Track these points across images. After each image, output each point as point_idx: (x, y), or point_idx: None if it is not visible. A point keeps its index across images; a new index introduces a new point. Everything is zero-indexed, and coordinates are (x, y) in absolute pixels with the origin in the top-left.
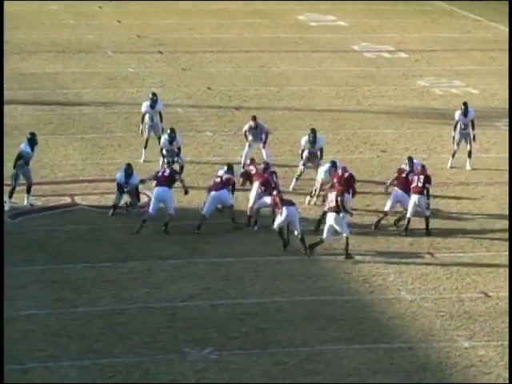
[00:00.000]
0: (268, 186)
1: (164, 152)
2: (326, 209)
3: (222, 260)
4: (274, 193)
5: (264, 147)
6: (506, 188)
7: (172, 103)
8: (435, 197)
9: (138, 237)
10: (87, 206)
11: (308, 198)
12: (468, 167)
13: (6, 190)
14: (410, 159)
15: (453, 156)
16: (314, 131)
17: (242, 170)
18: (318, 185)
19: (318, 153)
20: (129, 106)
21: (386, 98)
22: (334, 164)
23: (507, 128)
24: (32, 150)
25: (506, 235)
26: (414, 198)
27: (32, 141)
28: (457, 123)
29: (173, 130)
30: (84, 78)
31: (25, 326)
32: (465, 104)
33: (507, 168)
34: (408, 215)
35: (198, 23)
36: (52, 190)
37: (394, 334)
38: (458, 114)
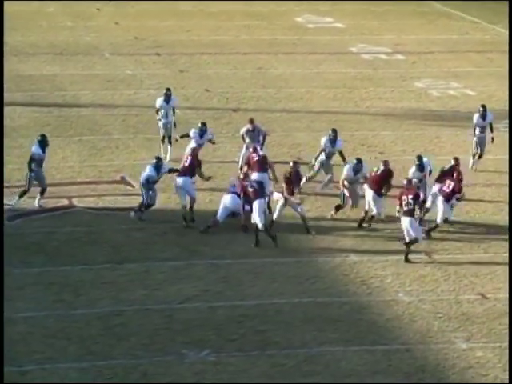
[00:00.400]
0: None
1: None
2: (400, 211)
3: (220, 262)
4: (243, 178)
5: (261, 149)
6: (505, 189)
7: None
8: None
9: (136, 238)
10: (85, 208)
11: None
12: (470, 167)
13: (6, 191)
14: (420, 158)
15: (473, 156)
16: (334, 131)
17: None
18: (342, 186)
19: (336, 154)
20: (126, 108)
21: (383, 100)
22: (359, 161)
23: (506, 130)
24: (43, 151)
25: (504, 237)
26: (441, 200)
27: (43, 142)
28: (476, 127)
29: (204, 124)
30: (82, 80)
31: (23, 328)
32: (483, 107)
33: (506, 170)
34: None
35: (195, 25)
36: (50, 192)
37: (391, 336)
38: (476, 117)
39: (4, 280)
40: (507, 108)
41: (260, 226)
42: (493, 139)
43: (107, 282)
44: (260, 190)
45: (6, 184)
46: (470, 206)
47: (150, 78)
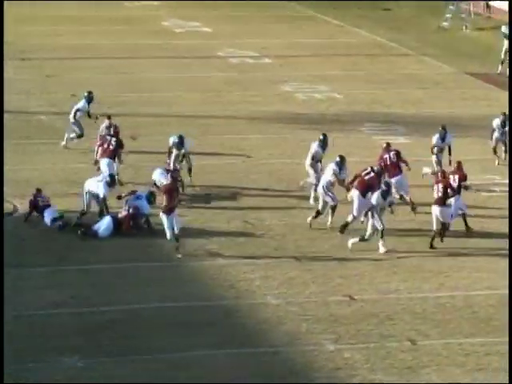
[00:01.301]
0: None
1: (174, 154)
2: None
3: (90, 267)
4: None
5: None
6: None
7: (35, 110)
8: (294, 208)
9: (6, 244)
10: None
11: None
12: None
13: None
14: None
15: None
16: (444, 128)
17: None
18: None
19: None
20: None
21: (251, 104)
22: (342, 158)
23: (370, 132)
24: None
25: (370, 238)
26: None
27: None
28: (433, 147)
29: (180, 137)
30: None
31: None
32: (444, 128)
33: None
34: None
35: (62, 30)
36: None
37: (260, 339)
38: (435, 138)
39: None
40: (372, 110)
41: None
42: (450, 162)
43: None
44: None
45: None
46: (342, 208)
47: (16, 83)
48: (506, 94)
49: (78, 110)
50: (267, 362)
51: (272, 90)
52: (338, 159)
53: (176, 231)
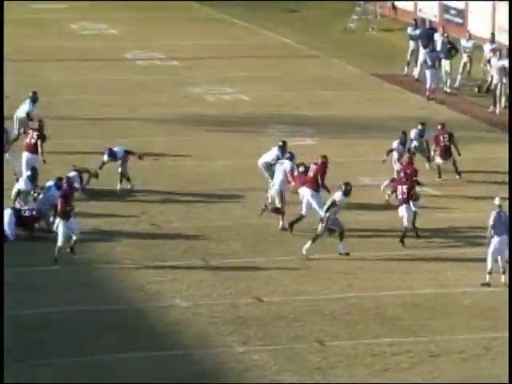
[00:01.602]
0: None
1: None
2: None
3: None
4: None
5: (7, 151)
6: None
7: None
8: (202, 210)
9: None
10: None
11: None
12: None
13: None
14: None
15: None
16: (405, 133)
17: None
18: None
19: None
20: None
21: (158, 106)
22: (292, 154)
23: (279, 134)
24: None
25: (279, 239)
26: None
27: None
28: (395, 151)
29: (110, 149)
30: None
31: None
32: (404, 133)
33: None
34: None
35: None
36: None
37: (170, 342)
38: (395, 143)
39: None
40: (280, 112)
41: None
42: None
43: None
44: None
45: None
46: (245, 209)
47: None
48: (412, 95)
49: (28, 114)
50: (178, 364)
51: (180, 92)
52: (288, 155)
53: (74, 236)
